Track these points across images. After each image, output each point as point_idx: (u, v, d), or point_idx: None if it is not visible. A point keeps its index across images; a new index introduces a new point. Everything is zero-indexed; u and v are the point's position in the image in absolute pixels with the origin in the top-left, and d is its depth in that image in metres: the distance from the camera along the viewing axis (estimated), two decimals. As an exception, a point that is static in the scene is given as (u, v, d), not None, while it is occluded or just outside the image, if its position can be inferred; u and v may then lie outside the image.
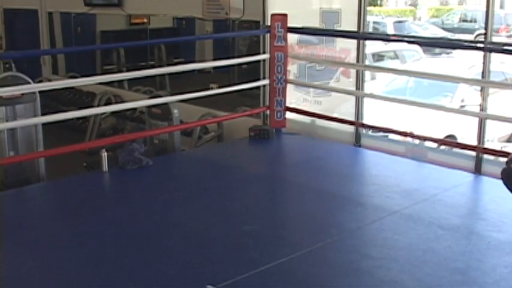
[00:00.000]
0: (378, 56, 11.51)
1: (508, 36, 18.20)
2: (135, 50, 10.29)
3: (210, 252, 3.78)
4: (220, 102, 7.15)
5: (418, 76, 7.94)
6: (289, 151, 6.42)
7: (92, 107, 8.46)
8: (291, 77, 6.63)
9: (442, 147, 6.17)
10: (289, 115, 6.52)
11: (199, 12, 7.82)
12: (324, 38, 6.70)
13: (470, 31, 20.21)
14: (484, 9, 5.22)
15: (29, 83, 5.69)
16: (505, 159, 5.20)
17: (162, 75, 9.34)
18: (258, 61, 6.81)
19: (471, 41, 10.30)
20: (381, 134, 6.44)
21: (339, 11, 6.53)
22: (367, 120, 6.19)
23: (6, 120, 5.64)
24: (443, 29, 21.51)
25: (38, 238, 4.02)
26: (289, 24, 6.29)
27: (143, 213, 4.47)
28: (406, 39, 10.35)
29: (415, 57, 12.34)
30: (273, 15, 6.31)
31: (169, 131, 6.28)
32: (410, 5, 28.24)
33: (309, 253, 3.76)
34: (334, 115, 6.51)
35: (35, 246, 3.91)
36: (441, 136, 7.03)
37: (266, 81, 6.52)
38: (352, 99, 6.26)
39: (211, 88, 7.37)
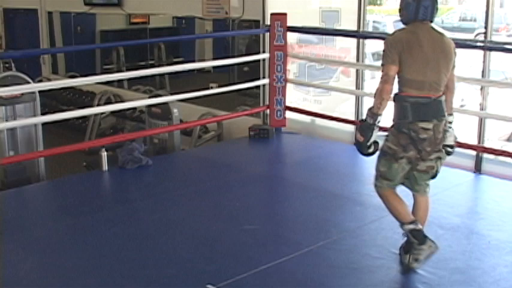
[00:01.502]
0: (378, 55, 11.50)
1: (508, 36, 18.18)
2: (134, 49, 10.29)
3: (210, 252, 3.78)
4: (220, 101, 7.15)
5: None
6: (289, 150, 6.41)
7: (91, 106, 8.46)
8: (290, 76, 6.63)
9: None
10: (289, 114, 6.51)
11: (199, 12, 7.82)
12: (324, 37, 6.70)
13: (470, 30, 20.19)
14: (484, 8, 5.22)
15: (28, 82, 5.70)
16: (505, 159, 5.23)
17: (162, 75, 9.35)
18: (258, 60, 6.81)
19: (471, 40, 10.27)
20: (381, 133, 6.43)
21: (339, 10, 6.53)
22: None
23: (6, 120, 5.64)
24: (443, 28, 21.46)
25: (37, 238, 4.03)
26: (289, 24, 6.29)
27: (143, 212, 4.47)
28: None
29: (415, 57, 12.31)
30: (272, 14, 6.31)
31: (169, 131, 6.28)
32: (410, 4, 28.20)
33: (308, 252, 3.76)
34: (334, 114, 6.50)
35: (35, 246, 3.92)
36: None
37: (266, 81, 6.52)
38: (352, 98, 6.26)
39: (211, 87, 7.36)
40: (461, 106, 8.18)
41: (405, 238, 3.50)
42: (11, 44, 11.89)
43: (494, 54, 5.31)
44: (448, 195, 4.72)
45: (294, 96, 6.77)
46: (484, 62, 5.20)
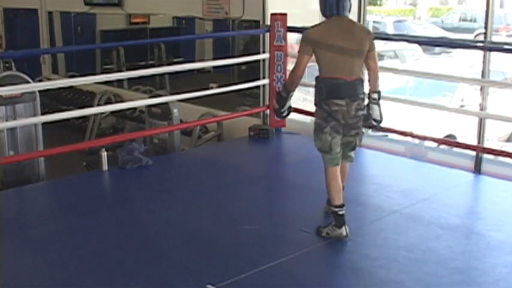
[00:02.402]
0: (378, 56, 11.50)
1: (508, 36, 18.18)
2: (135, 49, 10.28)
3: (209, 252, 3.78)
4: (220, 101, 7.15)
5: (418, 76, 7.94)
6: (288, 151, 6.41)
7: (91, 106, 8.46)
8: (290, 76, 6.61)
9: (442, 146, 6.17)
10: (289, 114, 6.50)
11: (199, 12, 7.82)
12: (324, 37, 6.68)
13: (470, 30, 20.20)
14: (484, 8, 5.22)
15: (28, 82, 5.69)
16: (505, 159, 5.24)
17: (162, 75, 9.34)
18: (258, 60, 6.81)
19: (471, 41, 10.30)
20: (381, 133, 6.44)
21: (339, 10, 6.52)
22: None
23: (6, 120, 5.64)
24: (443, 28, 21.48)
25: (38, 237, 4.03)
26: (289, 24, 6.29)
27: (143, 212, 4.48)
28: (406, 38, 10.35)
29: (414, 57, 12.33)
30: (272, 14, 6.31)
31: (169, 131, 6.28)
32: (410, 4, 28.25)
33: (308, 253, 3.76)
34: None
35: (35, 245, 3.92)
36: (441, 136, 7.03)
37: (266, 81, 6.52)
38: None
39: (211, 88, 7.37)
40: (462, 106, 8.21)
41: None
42: (11, 43, 11.89)
43: (494, 55, 5.31)
44: (447, 196, 4.73)
45: (294, 96, 6.75)
46: (483, 62, 5.19)
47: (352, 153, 4.07)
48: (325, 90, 3.86)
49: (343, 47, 3.82)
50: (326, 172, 4.00)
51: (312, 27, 4.01)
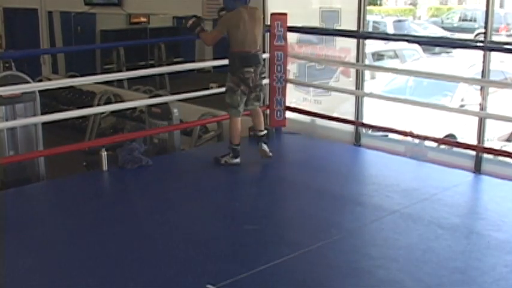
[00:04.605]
0: (378, 55, 11.51)
1: (508, 36, 18.19)
2: (135, 49, 10.29)
3: (210, 252, 3.78)
4: (220, 101, 7.14)
5: (418, 75, 7.94)
6: (289, 151, 6.41)
7: (91, 106, 8.46)
8: (290, 76, 6.63)
9: (442, 146, 6.17)
10: (289, 114, 6.51)
11: (199, 12, 7.82)
12: (324, 37, 6.70)
13: (470, 30, 20.21)
14: (484, 8, 5.22)
15: (28, 82, 5.69)
16: (505, 159, 5.24)
17: (162, 75, 9.35)
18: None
19: (471, 40, 10.30)
20: (381, 133, 6.44)
21: (339, 10, 6.53)
22: (367, 119, 6.19)
23: (6, 120, 5.64)
24: (443, 28, 21.49)
25: (38, 237, 4.03)
26: (289, 24, 6.29)
27: (143, 212, 4.48)
28: (406, 38, 10.34)
29: (414, 57, 12.33)
30: (272, 14, 6.31)
31: (169, 131, 6.28)
32: (410, 4, 28.24)
33: (308, 253, 3.76)
34: (334, 115, 6.50)
35: (35, 245, 3.92)
36: (441, 135, 7.02)
37: (266, 81, 6.51)
38: (352, 98, 6.26)
39: (211, 88, 7.36)
40: (462, 106, 8.21)
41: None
42: (11, 43, 11.90)
43: (494, 55, 5.30)
44: (447, 195, 4.73)
45: (294, 96, 6.77)
46: (484, 62, 5.19)
47: (257, 103, 5.48)
48: (239, 61, 5.20)
49: (250, 27, 5.17)
50: (232, 121, 5.37)
51: (227, 13, 5.24)
